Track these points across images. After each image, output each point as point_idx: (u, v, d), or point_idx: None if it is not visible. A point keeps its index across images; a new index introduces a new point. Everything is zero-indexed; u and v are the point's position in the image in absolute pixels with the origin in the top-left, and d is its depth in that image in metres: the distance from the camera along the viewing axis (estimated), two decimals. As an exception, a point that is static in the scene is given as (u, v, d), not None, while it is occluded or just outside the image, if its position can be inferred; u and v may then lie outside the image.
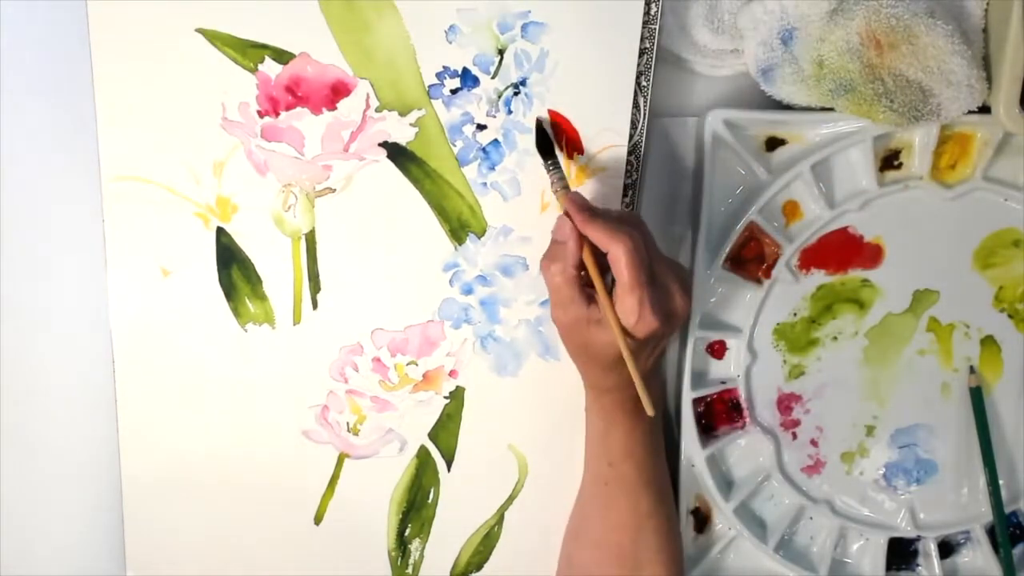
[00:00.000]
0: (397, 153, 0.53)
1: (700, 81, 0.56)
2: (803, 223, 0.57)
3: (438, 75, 0.52)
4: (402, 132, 0.53)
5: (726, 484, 0.59)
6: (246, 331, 0.55)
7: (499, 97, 0.53)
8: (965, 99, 0.52)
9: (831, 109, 0.54)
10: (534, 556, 0.59)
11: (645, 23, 0.52)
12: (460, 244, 0.55)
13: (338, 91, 0.52)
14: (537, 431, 0.58)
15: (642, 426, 0.53)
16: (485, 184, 0.54)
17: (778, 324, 0.58)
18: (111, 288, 0.54)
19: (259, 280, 0.55)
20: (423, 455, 0.58)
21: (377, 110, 0.53)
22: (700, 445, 0.57)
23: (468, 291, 0.56)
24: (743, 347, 0.58)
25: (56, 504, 0.58)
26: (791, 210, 0.57)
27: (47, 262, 0.55)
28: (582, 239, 0.48)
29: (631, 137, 0.54)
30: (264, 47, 0.51)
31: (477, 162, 0.54)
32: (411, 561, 0.60)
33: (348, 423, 0.57)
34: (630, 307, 0.47)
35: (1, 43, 0.52)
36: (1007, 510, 0.60)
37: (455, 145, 0.54)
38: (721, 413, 0.59)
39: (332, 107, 0.52)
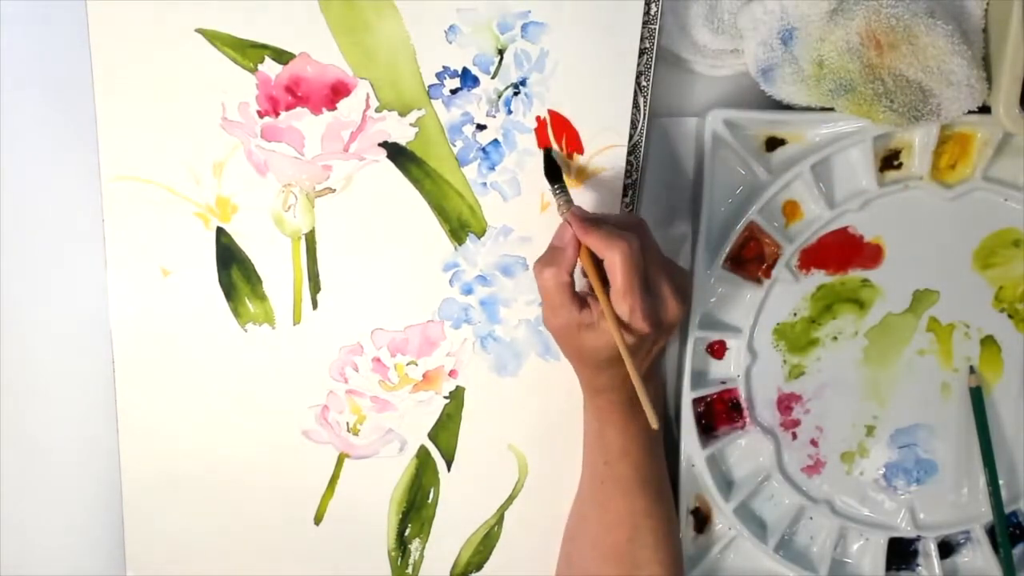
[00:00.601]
0: (397, 153, 0.53)
1: (700, 81, 0.56)
2: (803, 223, 0.57)
3: (438, 75, 0.52)
4: (402, 132, 0.53)
5: (726, 484, 0.59)
6: (246, 331, 0.55)
7: (499, 97, 0.53)
8: (965, 99, 0.52)
9: (831, 109, 0.54)
10: (534, 556, 0.59)
11: (645, 23, 0.52)
12: (460, 244, 0.55)
13: (338, 91, 0.52)
14: (537, 431, 0.58)
15: (637, 426, 0.53)
16: (485, 184, 0.54)
17: (778, 324, 0.58)
18: (111, 288, 0.54)
19: (259, 280, 0.55)
20: (423, 455, 0.58)
21: (377, 110, 0.53)
22: (700, 445, 0.57)
23: (468, 291, 0.56)
24: (743, 347, 0.58)
25: (56, 504, 0.58)
26: (791, 210, 0.57)
27: (47, 262, 0.55)
28: (580, 247, 0.49)
29: (631, 137, 0.54)
30: (264, 47, 0.51)
31: (477, 162, 0.54)
32: (411, 561, 0.60)
33: (348, 423, 0.57)
34: (621, 313, 0.48)
35: (1, 43, 0.52)
36: (1007, 510, 0.60)
37: (455, 145, 0.54)
38: (721, 413, 0.59)
39: (332, 107, 0.52)
